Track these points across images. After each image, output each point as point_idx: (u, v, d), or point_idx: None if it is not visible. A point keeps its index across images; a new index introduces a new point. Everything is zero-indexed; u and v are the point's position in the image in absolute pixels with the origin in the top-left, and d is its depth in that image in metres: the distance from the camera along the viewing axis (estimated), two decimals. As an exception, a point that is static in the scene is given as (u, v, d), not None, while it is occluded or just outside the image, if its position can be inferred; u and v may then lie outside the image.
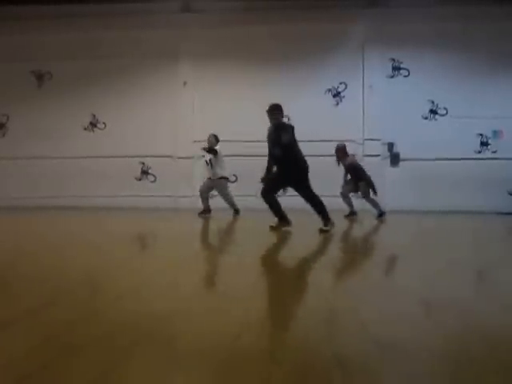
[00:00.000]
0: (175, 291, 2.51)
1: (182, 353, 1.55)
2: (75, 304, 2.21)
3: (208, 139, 8.70)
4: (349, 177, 8.60)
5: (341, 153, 8.47)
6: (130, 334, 1.74)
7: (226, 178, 8.85)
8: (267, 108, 5.93)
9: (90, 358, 1.48)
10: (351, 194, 8.67)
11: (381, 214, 8.32)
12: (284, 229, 5.73)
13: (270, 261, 3.93)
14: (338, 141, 8.81)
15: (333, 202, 8.62)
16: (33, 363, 1.43)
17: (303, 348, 1.59)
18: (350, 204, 8.59)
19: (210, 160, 8.60)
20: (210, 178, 8.69)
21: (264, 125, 6.14)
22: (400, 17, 10.93)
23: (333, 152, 8.51)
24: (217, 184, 8.69)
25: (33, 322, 1.86)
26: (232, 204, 8.81)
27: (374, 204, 8.46)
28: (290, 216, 5.82)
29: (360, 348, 1.58)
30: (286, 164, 5.72)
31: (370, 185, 8.45)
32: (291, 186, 5.95)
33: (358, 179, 8.44)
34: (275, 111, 5.87)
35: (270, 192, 5.85)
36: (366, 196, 8.48)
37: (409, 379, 1.36)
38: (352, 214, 8.44)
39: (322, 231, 5.50)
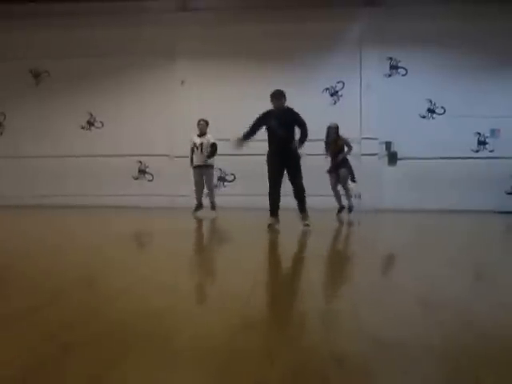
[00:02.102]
0: (173, 290, 2.51)
1: (179, 352, 1.54)
2: (73, 303, 2.20)
3: (199, 124, 8.41)
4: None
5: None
6: (128, 333, 1.74)
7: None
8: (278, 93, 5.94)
9: (89, 357, 1.48)
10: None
11: (350, 209, 8.21)
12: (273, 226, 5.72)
13: (267, 260, 3.93)
14: None
15: (327, 201, 8.65)
16: (31, 362, 1.42)
17: (301, 348, 1.59)
18: (338, 198, 8.36)
19: (201, 144, 8.30)
20: (198, 166, 8.31)
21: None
22: (397, 15, 10.94)
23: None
24: (205, 172, 8.38)
25: (31, 320, 1.86)
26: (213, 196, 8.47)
27: (349, 195, 8.31)
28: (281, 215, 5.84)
29: (358, 348, 1.58)
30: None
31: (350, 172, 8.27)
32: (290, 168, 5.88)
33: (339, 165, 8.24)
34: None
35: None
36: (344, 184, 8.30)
37: (407, 379, 1.36)
38: (341, 210, 8.23)
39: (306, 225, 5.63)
